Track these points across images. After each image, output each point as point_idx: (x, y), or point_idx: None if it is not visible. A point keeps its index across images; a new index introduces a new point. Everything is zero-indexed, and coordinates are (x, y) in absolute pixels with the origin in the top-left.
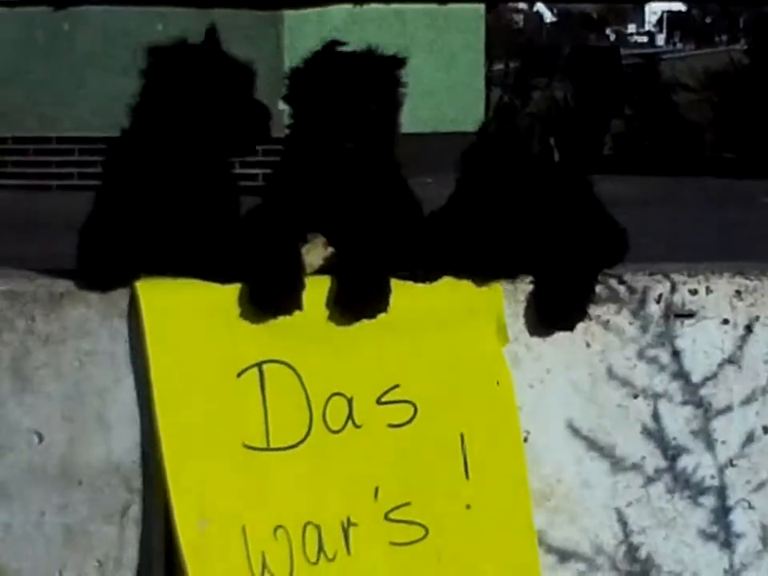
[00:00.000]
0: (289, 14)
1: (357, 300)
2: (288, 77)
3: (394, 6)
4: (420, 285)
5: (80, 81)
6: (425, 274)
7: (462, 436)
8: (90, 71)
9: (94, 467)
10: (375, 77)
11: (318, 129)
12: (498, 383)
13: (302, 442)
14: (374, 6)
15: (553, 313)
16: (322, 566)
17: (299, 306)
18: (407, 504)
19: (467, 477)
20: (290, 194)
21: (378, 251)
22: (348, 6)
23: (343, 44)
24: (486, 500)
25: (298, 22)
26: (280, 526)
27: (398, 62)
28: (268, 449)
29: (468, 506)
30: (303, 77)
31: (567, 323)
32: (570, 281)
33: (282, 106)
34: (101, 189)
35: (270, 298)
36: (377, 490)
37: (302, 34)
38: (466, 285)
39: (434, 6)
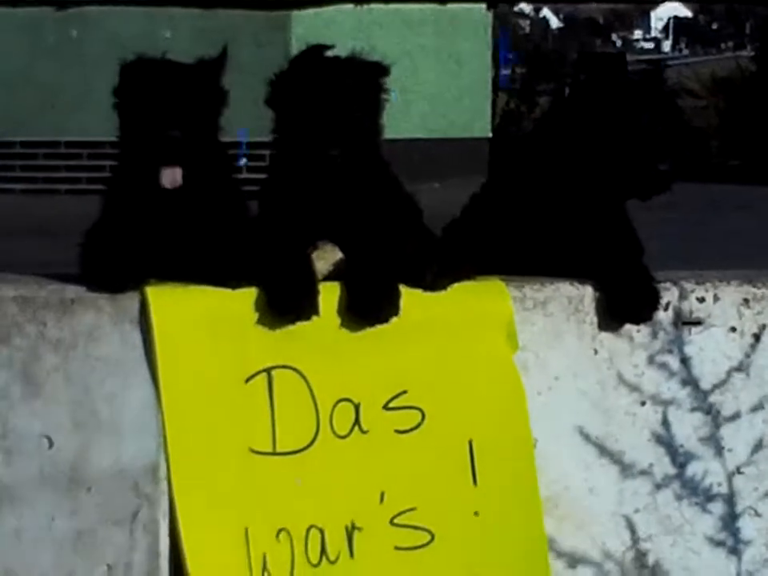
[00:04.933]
0: (296, 19)
1: (369, 305)
2: (270, 82)
3: (401, 13)
4: (429, 293)
5: (88, 86)
6: (433, 281)
7: (470, 442)
8: (98, 76)
9: (103, 472)
10: (358, 83)
11: (301, 135)
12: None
13: (308, 446)
14: (380, 12)
15: (633, 306)
16: (324, 568)
17: (317, 312)
18: (413, 509)
19: (475, 483)
20: (293, 202)
21: (385, 256)
22: (355, 12)
23: (328, 48)
24: (495, 507)
25: (305, 28)
26: (283, 529)
27: (381, 69)
28: (274, 453)
29: (476, 513)
30: (286, 82)
31: (648, 314)
32: (640, 274)
33: None
34: (109, 192)
35: (289, 303)
36: (383, 494)
37: (309, 40)
38: (475, 291)
39: (439, 10)
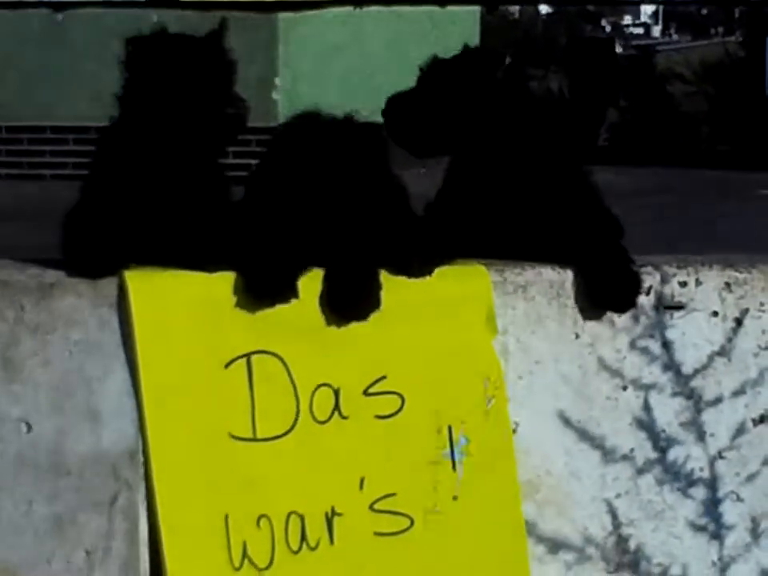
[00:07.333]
0: (284, 20)
1: (348, 302)
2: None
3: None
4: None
5: (75, 71)
6: (420, 268)
7: (449, 427)
8: (84, 61)
9: (82, 457)
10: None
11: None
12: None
13: (288, 432)
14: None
15: (613, 294)
16: (304, 554)
17: (296, 295)
18: (392, 495)
19: (454, 468)
20: (278, 188)
21: (367, 247)
22: (345, 10)
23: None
24: (474, 492)
25: (293, 28)
26: (263, 515)
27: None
28: (254, 439)
29: (455, 497)
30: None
31: (628, 304)
32: (620, 261)
33: (276, 95)
34: (90, 176)
35: (267, 286)
36: (362, 480)
37: (296, 28)
38: (455, 276)
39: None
